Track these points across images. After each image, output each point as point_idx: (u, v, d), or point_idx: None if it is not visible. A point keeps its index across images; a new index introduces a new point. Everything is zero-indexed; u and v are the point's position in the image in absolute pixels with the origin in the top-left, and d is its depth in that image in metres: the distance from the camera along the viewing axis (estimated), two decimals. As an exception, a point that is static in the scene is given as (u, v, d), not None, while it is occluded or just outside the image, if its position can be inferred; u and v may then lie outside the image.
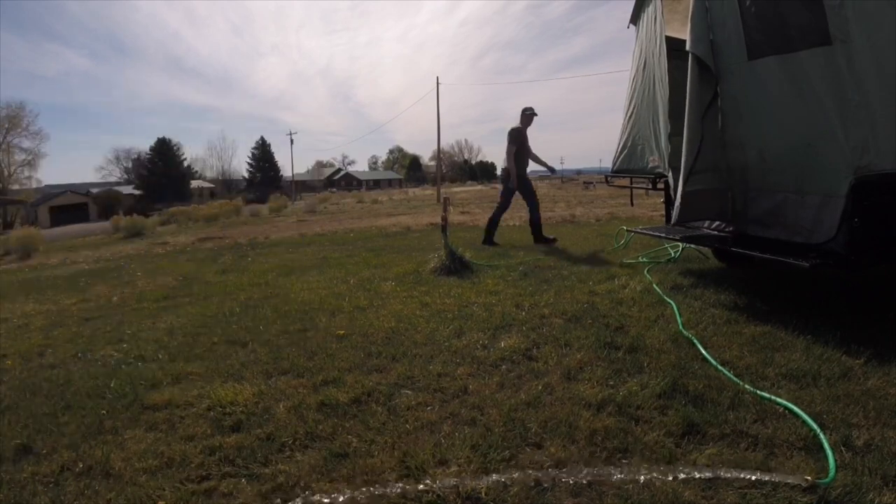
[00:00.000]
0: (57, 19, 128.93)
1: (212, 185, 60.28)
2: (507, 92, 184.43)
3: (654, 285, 3.52)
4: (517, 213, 12.78)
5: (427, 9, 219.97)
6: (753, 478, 1.42)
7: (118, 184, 57.20)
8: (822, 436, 1.61)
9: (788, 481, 1.38)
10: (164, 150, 50.90)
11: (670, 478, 1.47)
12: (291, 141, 59.53)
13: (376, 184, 74.35)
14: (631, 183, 4.64)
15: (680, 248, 4.66)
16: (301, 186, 61.84)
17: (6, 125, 43.12)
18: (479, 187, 47.04)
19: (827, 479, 1.39)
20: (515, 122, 6.25)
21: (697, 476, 1.46)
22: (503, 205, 6.29)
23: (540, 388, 2.09)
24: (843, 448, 1.56)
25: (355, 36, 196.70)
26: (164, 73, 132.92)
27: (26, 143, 45.05)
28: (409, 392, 2.14)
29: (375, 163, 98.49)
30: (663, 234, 3.92)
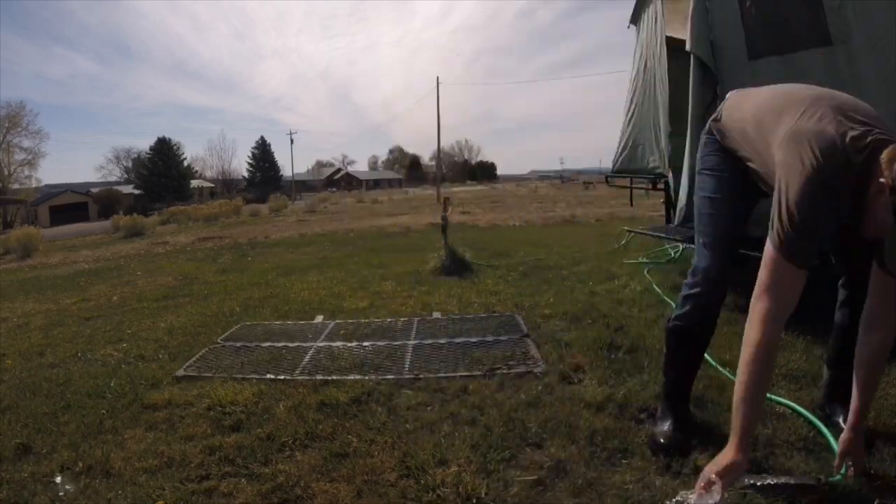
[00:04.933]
0: (66, 24, 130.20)
1: (212, 185, 60.24)
2: (505, 94, 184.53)
3: (654, 285, 3.52)
4: (517, 213, 12.77)
5: (421, 15, 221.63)
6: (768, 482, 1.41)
7: (118, 183, 57.13)
8: (827, 433, 1.61)
9: (802, 482, 1.38)
10: (164, 150, 50.83)
11: (670, 478, 1.47)
12: (291, 141, 59.65)
13: (376, 184, 74.33)
14: (631, 183, 4.64)
15: (680, 249, 4.66)
16: (301, 186, 61.83)
17: (6, 125, 43.00)
18: (479, 187, 47.04)
19: (838, 477, 1.39)
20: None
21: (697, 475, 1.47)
22: None
23: (540, 388, 2.09)
24: (843, 448, 1.56)
25: (353, 41, 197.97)
26: (168, 75, 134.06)
27: (26, 143, 44.88)
28: (409, 392, 2.14)
29: (375, 163, 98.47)
30: (663, 234, 3.93)
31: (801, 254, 1.26)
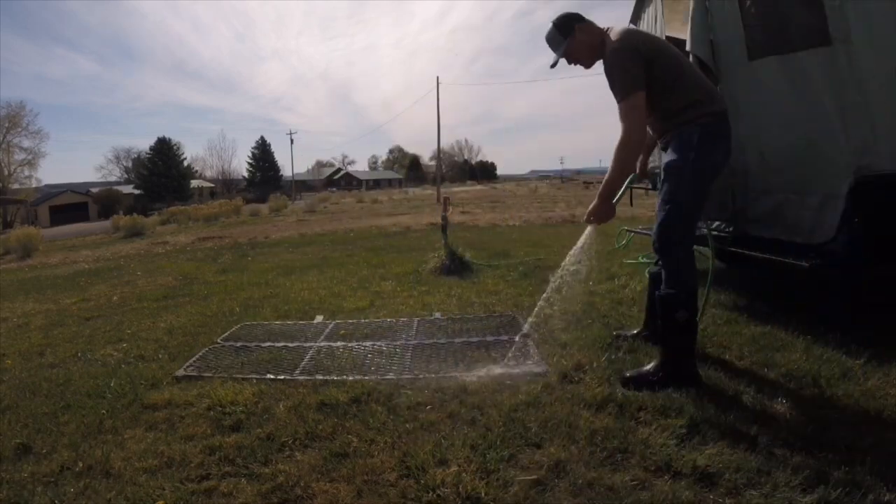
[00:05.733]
0: (67, 25, 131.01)
1: (212, 185, 60.26)
2: (504, 94, 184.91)
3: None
4: (517, 212, 12.76)
5: (419, 18, 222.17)
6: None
7: (118, 183, 57.19)
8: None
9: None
10: (164, 150, 50.82)
11: (669, 478, 1.47)
12: (291, 141, 59.60)
13: (376, 184, 74.35)
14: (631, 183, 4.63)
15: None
16: (301, 186, 61.85)
17: (6, 124, 43.03)
18: (478, 187, 47.01)
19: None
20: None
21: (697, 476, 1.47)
22: None
23: (540, 388, 2.09)
24: (843, 449, 1.56)
25: (352, 42, 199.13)
26: (169, 75, 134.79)
27: (26, 143, 44.93)
28: (409, 392, 2.14)
29: (375, 163, 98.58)
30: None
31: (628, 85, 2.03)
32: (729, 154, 2.17)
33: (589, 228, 2.38)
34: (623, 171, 2.11)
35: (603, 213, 2.18)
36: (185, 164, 53.80)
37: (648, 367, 2.13)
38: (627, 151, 2.06)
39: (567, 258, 2.55)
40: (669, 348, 2.08)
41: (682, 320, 2.03)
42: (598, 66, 2.20)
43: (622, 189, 2.33)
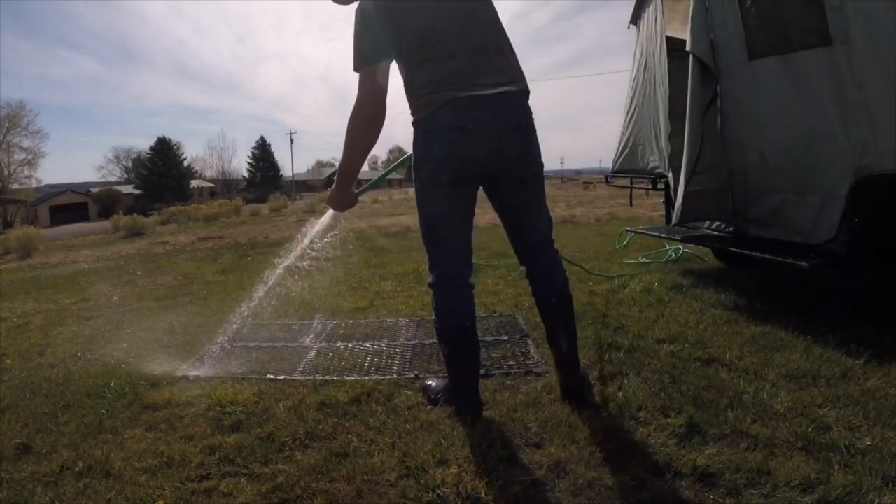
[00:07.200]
0: (70, 27, 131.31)
1: (212, 185, 60.36)
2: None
3: (654, 285, 3.51)
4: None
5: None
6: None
7: (118, 183, 57.32)
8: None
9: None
10: (164, 150, 50.87)
11: (670, 478, 1.47)
12: (291, 141, 59.73)
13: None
14: (631, 183, 4.64)
15: (680, 249, 4.66)
16: (301, 186, 61.89)
17: (6, 124, 43.12)
18: (479, 187, 46.85)
19: None
20: None
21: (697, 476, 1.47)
22: None
23: (540, 388, 2.08)
24: (843, 449, 1.56)
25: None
26: (170, 76, 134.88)
27: (26, 143, 45.07)
28: (409, 392, 2.14)
29: (375, 163, 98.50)
30: (663, 234, 3.93)
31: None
32: (453, 154, 1.71)
33: (328, 213, 2.21)
34: (349, 151, 1.82)
35: (337, 199, 1.97)
36: (185, 164, 53.90)
37: (439, 383, 2.06)
38: (351, 126, 1.78)
39: (305, 239, 2.51)
40: (448, 374, 1.98)
41: (444, 354, 1.93)
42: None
43: (366, 186, 2.31)
